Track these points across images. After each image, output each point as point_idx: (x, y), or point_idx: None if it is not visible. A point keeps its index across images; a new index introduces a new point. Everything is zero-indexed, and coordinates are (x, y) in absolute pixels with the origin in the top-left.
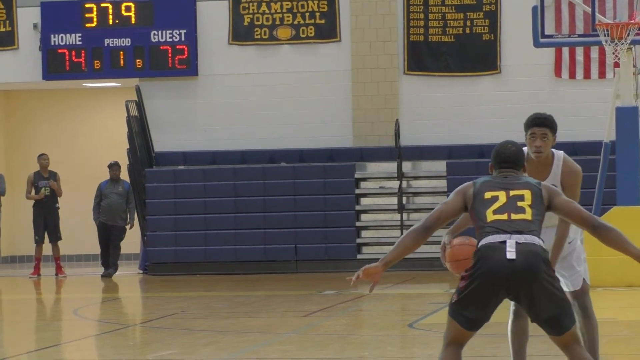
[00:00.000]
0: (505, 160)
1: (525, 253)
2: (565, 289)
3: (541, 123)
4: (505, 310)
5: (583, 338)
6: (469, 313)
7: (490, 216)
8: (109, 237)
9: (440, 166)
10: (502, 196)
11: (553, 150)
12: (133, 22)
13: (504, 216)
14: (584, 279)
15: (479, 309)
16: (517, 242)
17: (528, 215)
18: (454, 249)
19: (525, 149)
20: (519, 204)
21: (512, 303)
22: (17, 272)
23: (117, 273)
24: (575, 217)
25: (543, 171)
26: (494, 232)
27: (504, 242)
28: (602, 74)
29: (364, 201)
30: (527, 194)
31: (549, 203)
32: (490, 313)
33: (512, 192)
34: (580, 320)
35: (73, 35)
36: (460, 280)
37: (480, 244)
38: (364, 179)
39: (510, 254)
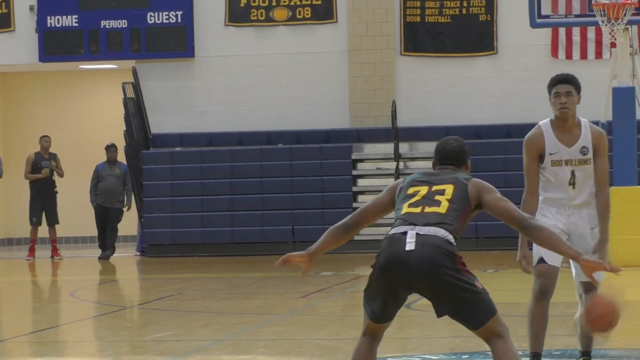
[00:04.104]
0: (445, 156)
1: (424, 244)
2: (582, 278)
3: (564, 80)
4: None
5: (581, 330)
6: (371, 306)
7: (404, 209)
8: (106, 219)
9: None
10: (423, 190)
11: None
12: (129, 3)
13: (417, 209)
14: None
15: (378, 303)
16: (417, 234)
17: (442, 208)
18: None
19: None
20: (437, 197)
21: (537, 285)
22: (13, 254)
23: (114, 255)
24: (505, 215)
25: (573, 134)
26: (401, 224)
27: (405, 233)
28: (598, 54)
29: (361, 182)
30: (449, 188)
31: (479, 200)
32: (391, 309)
33: (434, 187)
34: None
35: (69, 17)
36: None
37: (385, 235)
38: (361, 160)
39: (410, 244)
